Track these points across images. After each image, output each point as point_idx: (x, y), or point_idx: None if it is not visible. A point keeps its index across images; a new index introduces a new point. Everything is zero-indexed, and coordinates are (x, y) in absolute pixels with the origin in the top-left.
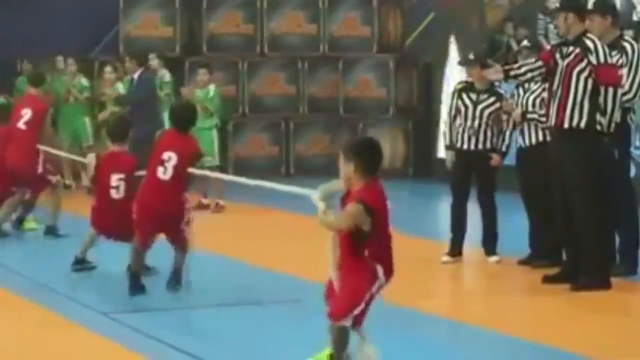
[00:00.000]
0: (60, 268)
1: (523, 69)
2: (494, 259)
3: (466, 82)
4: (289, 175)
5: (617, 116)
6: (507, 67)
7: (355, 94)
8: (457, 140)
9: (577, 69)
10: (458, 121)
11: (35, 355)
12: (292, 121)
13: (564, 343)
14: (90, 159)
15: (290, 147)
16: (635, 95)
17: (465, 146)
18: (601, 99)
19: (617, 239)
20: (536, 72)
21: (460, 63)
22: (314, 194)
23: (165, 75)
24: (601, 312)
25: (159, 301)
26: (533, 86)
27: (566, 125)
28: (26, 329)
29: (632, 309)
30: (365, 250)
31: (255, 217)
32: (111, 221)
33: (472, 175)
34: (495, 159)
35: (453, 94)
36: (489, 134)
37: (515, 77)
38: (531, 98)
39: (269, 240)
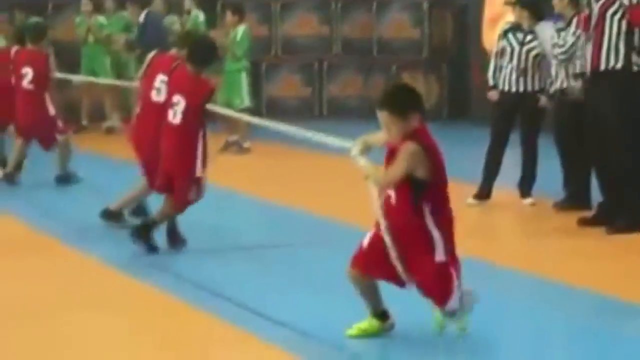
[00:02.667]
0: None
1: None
2: (528, 200)
3: (513, 23)
4: (321, 116)
5: None
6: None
7: (388, 34)
8: (502, 82)
9: (610, 10)
10: (504, 62)
11: (74, 299)
12: (326, 62)
13: (599, 286)
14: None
15: (323, 89)
16: None
17: (512, 88)
18: (636, 40)
19: None
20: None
21: (506, 3)
22: (353, 148)
23: (199, 15)
24: (638, 255)
25: (191, 243)
26: (569, 37)
27: (602, 68)
28: (64, 274)
29: None
30: (426, 208)
31: (287, 158)
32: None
33: (515, 117)
34: (543, 100)
35: (500, 35)
36: (536, 75)
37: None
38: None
39: (300, 181)
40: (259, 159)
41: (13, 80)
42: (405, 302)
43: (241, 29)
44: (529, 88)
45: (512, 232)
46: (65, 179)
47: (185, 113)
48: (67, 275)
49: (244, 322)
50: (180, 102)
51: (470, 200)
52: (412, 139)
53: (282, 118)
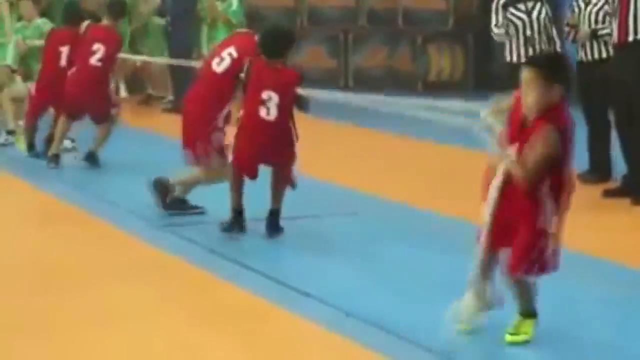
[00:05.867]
0: (119, 182)
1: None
2: None
3: None
4: (347, 87)
5: None
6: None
7: (414, 5)
8: (511, 54)
9: None
10: (514, 34)
11: (94, 267)
12: (351, 33)
13: (625, 258)
14: None
15: (348, 60)
16: None
17: (522, 59)
18: None
19: None
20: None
21: None
22: (482, 112)
23: None
24: None
25: (214, 214)
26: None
27: (630, 39)
28: (86, 242)
29: None
30: (544, 187)
31: (312, 128)
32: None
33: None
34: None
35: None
36: (544, 43)
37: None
38: (594, 11)
39: (325, 152)
40: None
41: (64, 61)
42: None
43: None
44: None
45: None
46: (96, 159)
47: (280, 107)
48: (98, 246)
49: (272, 294)
50: (272, 98)
51: None
52: (550, 119)
53: (308, 88)
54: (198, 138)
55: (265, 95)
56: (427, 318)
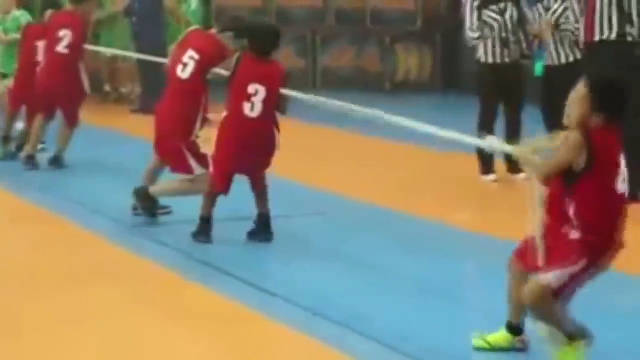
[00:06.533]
0: (86, 183)
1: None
2: (522, 176)
3: None
4: (315, 87)
5: None
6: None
7: (382, 5)
8: (486, 55)
9: None
10: (489, 36)
11: (62, 268)
12: (319, 33)
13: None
14: None
15: (317, 60)
16: None
17: (498, 60)
18: (626, 8)
19: None
20: None
21: None
22: (520, 150)
23: None
24: None
25: (182, 214)
26: (554, 4)
27: (597, 38)
28: (54, 243)
29: None
30: (571, 206)
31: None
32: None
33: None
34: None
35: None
36: (516, 44)
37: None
38: (554, 19)
39: (294, 152)
40: None
41: (41, 56)
42: None
43: None
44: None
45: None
46: (61, 162)
47: (265, 103)
48: (65, 247)
49: (241, 295)
50: (259, 92)
51: (492, 177)
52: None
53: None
54: (176, 149)
55: (252, 88)
56: (396, 318)
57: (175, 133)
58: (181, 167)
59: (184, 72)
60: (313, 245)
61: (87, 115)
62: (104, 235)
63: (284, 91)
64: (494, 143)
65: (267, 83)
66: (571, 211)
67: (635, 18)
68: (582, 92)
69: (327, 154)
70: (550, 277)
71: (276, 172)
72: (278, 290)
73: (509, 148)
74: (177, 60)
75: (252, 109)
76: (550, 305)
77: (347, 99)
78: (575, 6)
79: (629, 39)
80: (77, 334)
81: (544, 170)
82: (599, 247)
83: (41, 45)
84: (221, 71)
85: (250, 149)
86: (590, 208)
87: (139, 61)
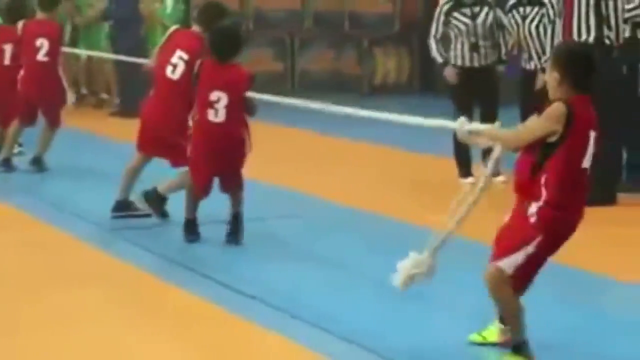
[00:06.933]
0: (65, 186)
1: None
2: (500, 178)
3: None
4: (293, 91)
5: (625, 30)
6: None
7: (360, 8)
8: (457, 58)
9: None
10: (458, 39)
11: (41, 272)
12: (297, 37)
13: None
14: None
15: (294, 63)
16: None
17: (467, 63)
18: (603, 10)
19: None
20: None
21: None
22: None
23: None
24: (605, 226)
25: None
26: (529, 12)
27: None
28: (33, 247)
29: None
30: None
31: (254, 130)
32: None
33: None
34: (500, 69)
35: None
36: (489, 48)
37: None
38: (533, 27)
39: (268, 154)
40: None
41: (8, 60)
42: None
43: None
44: (484, 62)
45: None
46: (42, 164)
47: (228, 109)
48: (45, 251)
49: (217, 296)
50: (221, 99)
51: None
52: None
53: (254, 92)
54: (176, 144)
55: (213, 96)
56: (371, 319)
57: (172, 132)
58: (183, 160)
59: (174, 73)
60: (289, 247)
61: (66, 118)
62: (83, 239)
63: (250, 94)
64: (464, 123)
65: (228, 89)
66: (542, 181)
67: (612, 21)
68: (551, 59)
69: (301, 156)
70: (505, 263)
71: (251, 174)
72: (255, 292)
73: (481, 126)
74: (165, 61)
75: (216, 115)
76: (509, 291)
77: (326, 102)
78: (550, 12)
79: (607, 42)
80: (58, 337)
81: (515, 140)
82: (560, 219)
83: (8, 48)
84: None
85: (218, 153)
86: (559, 180)
87: (117, 63)
